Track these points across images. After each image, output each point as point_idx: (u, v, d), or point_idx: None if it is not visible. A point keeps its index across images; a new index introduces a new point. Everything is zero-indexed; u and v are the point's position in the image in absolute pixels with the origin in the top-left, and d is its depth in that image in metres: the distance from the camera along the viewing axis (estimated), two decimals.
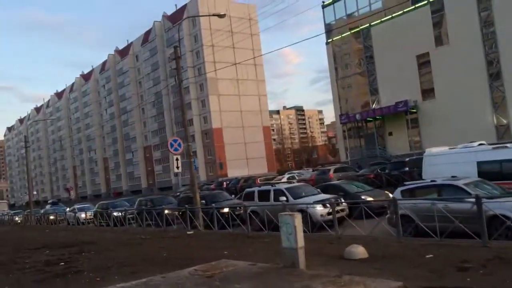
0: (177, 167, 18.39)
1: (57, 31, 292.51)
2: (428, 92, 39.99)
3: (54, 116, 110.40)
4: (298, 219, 7.46)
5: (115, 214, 25.96)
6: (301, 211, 14.83)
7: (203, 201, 19.93)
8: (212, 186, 38.81)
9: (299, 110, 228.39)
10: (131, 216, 24.95)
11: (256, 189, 17.75)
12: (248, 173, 69.75)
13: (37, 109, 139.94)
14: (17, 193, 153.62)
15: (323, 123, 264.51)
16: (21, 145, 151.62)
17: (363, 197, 16.08)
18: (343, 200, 15.73)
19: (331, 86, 48.34)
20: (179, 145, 18.26)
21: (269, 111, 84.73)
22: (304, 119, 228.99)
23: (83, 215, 30.50)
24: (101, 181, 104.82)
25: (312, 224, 14.19)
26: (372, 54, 43.74)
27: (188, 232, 17.02)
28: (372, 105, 44.21)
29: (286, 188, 16.65)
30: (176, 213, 21.82)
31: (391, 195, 13.87)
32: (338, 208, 15.01)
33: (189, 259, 9.81)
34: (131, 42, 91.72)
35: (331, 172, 28.80)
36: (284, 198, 16.01)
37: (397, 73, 41.07)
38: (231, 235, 15.07)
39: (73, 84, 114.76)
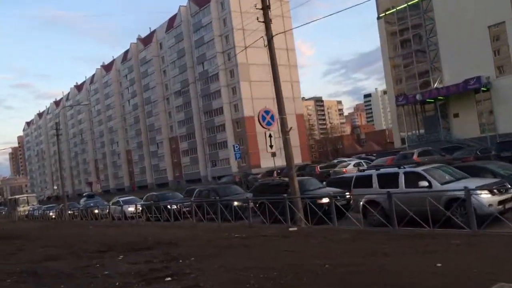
0: (271, 146, 14.50)
1: (73, 27, 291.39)
2: (503, 67, 35.40)
3: (85, 102, 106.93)
4: None
5: (169, 207, 22.34)
6: (453, 200, 11.07)
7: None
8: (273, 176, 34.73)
9: (318, 100, 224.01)
10: (187, 209, 21.35)
11: (374, 172, 13.69)
12: (282, 164, 65.83)
13: (57, 103, 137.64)
14: (37, 188, 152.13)
15: (342, 113, 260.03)
16: (40, 139, 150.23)
17: None
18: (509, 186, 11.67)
19: (383, 65, 43.95)
20: (272, 117, 14.43)
21: None
22: (323, 110, 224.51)
23: (130, 209, 26.96)
24: (124, 175, 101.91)
25: (477, 217, 10.21)
26: (434, 27, 39.17)
27: (291, 229, 13.12)
28: (434, 84, 39.76)
29: (425, 170, 12.57)
30: (252, 204, 18.09)
31: None
32: (506, 196, 11.18)
33: (391, 275, 5.93)
34: (154, 30, 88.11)
35: (415, 155, 24.67)
36: (426, 183, 12.01)
37: (465, 47, 36.54)
38: (362, 232, 11.10)
39: (93, 75, 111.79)
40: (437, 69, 39.68)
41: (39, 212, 37.62)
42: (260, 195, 17.42)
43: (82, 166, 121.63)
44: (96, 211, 29.85)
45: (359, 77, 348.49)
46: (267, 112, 14.35)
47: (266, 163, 66.99)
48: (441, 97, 39.00)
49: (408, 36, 42.46)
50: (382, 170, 13.79)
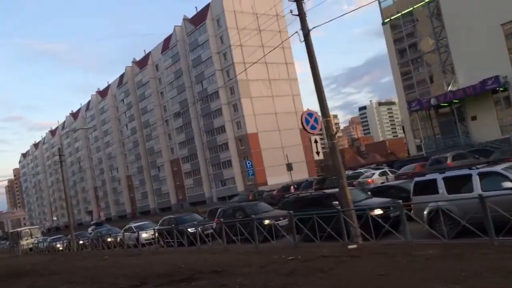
0: (317, 152, 12.84)
1: (61, 58, 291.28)
2: None
3: (86, 126, 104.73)
4: None
5: (190, 230, 20.57)
6: None
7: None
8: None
9: None
10: (209, 231, 19.67)
11: (438, 176, 12.04)
12: (288, 180, 64.00)
13: (52, 132, 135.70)
14: (36, 220, 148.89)
15: (339, 127, 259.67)
16: (37, 170, 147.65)
17: None
18: None
19: (392, 71, 42.66)
20: (316, 120, 12.76)
21: None
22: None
23: (144, 235, 25.08)
24: (125, 201, 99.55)
25: None
26: (443, 30, 38.09)
27: (350, 246, 11.40)
28: (448, 87, 38.47)
29: (504, 169, 10.95)
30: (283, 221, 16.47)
31: None
32: None
33: None
34: (149, 52, 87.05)
35: (449, 159, 23.11)
36: (510, 184, 10.40)
37: (477, 48, 35.37)
38: (450, 246, 9.38)
39: (89, 102, 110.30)
40: (449, 71, 38.47)
41: (45, 245, 35.48)
42: (296, 210, 15.71)
43: (82, 195, 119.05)
44: (109, 239, 27.88)
45: (350, 91, 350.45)
46: (310, 114, 12.73)
47: (273, 180, 65.30)
48: (457, 100, 37.65)
49: (415, 40, 41.35)
50: (449, 173, 12.11)
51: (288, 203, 16.73)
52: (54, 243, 33.65)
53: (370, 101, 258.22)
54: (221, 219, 19.70)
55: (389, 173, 27.70)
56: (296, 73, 72.95)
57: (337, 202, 14.41)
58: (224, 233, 16.78)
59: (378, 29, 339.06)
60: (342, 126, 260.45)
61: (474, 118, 36.74)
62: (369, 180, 26.76)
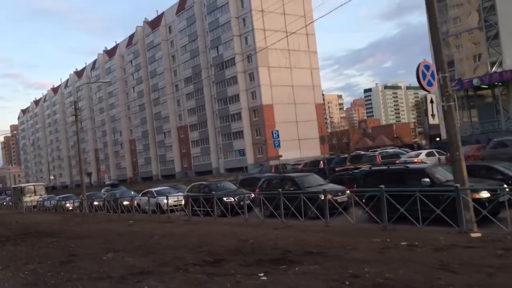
0: (433, 115, 10.54)
1: (65, 18, 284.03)
2: None
3: (105, 80, 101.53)
4: None
5: (225, 199, 18.40)
6: None
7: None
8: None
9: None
10: (246, 202, 17.60)
11: None
12: (300, 156, 61.87)
13: (54, 90, 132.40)
14: (32, 178, 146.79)
15: (343, 108, 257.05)
16: (36, 127, 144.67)
17: None
18: None
19: (430, 45, 39.62)
20: (433, 75, 10.37)
21: None
22: (323, 104, 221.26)
23: (165, 201, 22.91)
24: (127, 165, 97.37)
25: None
26: (493, 4, 35.24)
27: (474, 235, 9.15)
28: (492, 68, 35.96)
29: None
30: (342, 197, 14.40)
31: None
32: None
33: None
34: (163, 12, 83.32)
35: None
36: None
37: None
38: None
39: (95, 61, 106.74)
40: (496, 51, 35.81)
41: (51, 203, 33.31)
42: (369, 186, 13.49)
43: (81, 156, 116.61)
44: (126, 202, 25.74)
45: (352, 73, 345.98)
46: (427, 67, 10.32)
47: (284, 155, 62.87)
48: (500, 83, 35.17)
49: (461, 12, 38.35)
50: None
51: (361, 177, 14.42)
52: (63, 202, 31.42)
53: (376, 84, 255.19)
54: (260, 188, 17.49)
55: (436, 154, 25.52)
56: (316, 46, 69.88)
57: (427, 180, 12.22)
58: (263, 205, 14.67)
59: (383, 12, 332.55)
60: (344, 107, 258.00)
61: None
62: (416, 160, 24.58)
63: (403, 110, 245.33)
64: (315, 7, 70.61)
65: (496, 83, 35.05)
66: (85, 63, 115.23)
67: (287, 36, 52.65)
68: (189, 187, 22.87)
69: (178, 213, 20.79)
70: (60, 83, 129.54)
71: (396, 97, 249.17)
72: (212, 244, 10.59)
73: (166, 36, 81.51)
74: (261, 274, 7.18)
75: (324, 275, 6.75)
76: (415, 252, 7.89)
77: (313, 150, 66.07)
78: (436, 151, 25.84)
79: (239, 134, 65.87)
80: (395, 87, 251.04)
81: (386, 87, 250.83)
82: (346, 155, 33.09)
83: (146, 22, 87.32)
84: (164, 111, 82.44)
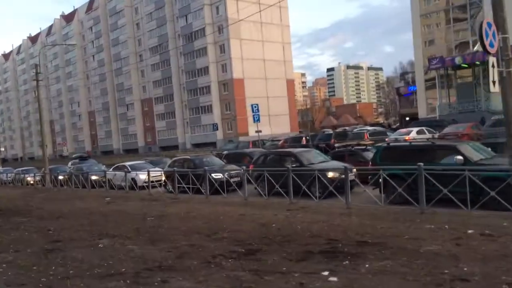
0: (493, 82, 9.19)
1: None
2: None
3: (35, 59, 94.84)
4: None
5: (214, 176, 16.64)
6: None
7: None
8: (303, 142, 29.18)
9: None
10: (235, 179, 16.24)
11: None
12: (270, 132, 60.55)
13: (5, 56, 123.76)
14: None
15: (305, 86, 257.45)
16: None
17: None
18: None
19: (412, 23, 38.97)
20: (494, 36, 8.94)
21: None
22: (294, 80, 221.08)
23: (142, 176, 20.91)
24: (85, 138, 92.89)
25: None
26: None
27: None
28: (474, 47, 35.49)
29: None
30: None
31: None
32: None
33: None
34: None
35: None
36: None
37: None
38: None
39: (51, 26, 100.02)
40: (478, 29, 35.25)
41: (8, 177, 30.33)
42: (385, 164, 12.20)
43: (35, 127, 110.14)
44: (94, 177, 23.45)
45: (314, 52, 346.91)
46: (489, 25, 8.85)
47: (253, 131, 61.34)
48: (479, 62, 34.77)
49: None
50: None
51: (378, 153, 13.01)
52: (22, 176, 28.55)
53: (339, 63, 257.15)
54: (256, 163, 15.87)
55: (426, 132, 24.72)
56: (288, 19, 67.89)
57: (461, 158, 10.94)
58: (268, 183, 13.12)
59: None
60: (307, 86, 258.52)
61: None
62: (407, 138, 23.62)
63: (364, 91, 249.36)
64: None
65: (478, 62, 34.64)
66: (40, 28, 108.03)
67: (260, 11, 50.35)
68: (170, 161, 20.87)
69: (160, 190, 18.82)
70: (12, 49, 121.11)
71: (358, 77, 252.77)
72: (229, 229, 8.90)
73: (130, 2, 76.95)
74: (326, 273, 5.60)
75: (411, 276, 5.25)
76: (500, 244, 6.53)
77: (282, 127, 64.93)
78: (426, 129, 25.01)
79: (208, 108, 63.55)
80: (357, 67, 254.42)
81: (348, 67, 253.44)
82: (325, 132, 31.91)
83: None
84: (126, 82, 78.50)
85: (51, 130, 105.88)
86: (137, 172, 21.60)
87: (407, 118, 58.31)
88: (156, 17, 70.50)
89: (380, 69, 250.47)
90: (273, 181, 13.13)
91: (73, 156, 60.23)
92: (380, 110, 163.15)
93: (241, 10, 58.01)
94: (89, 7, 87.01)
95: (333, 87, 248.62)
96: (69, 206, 15.05)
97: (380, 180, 11.35)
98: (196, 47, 63.49)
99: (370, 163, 13.08)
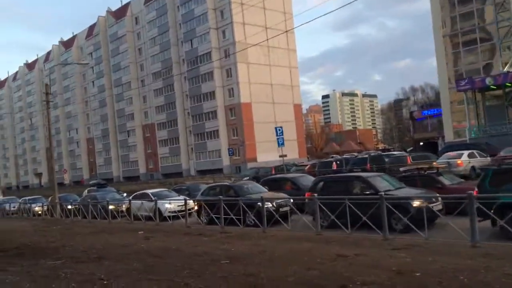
0: None
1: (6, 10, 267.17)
2: None
3: (32, 86, 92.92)
4: None
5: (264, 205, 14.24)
6: None
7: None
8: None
9: None
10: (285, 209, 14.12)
11: None
12: (278, 158, 58.29)
13: (1, 83, 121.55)
14: None
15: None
16: None
17: None
18: None
19: (434, 42, 37.60)
20: None
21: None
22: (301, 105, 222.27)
23: (167, 205, 18.62)
24: (83, 166, 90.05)
25: None
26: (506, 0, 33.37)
27: None
28: (505, 67, 34.00)
29: None
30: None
31: None
32: None
33: None
34: (129, 2, 77.47)
35: None
36: None
37: None
38: None
39: (49, 52, 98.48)
40: (508, 49, 33.92)
41: (13, 206, 27.68)
42: (496, 190, 10.05)
43: (30, 155, 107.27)
44: (111, 207, 20.96)
45: (303, 80, 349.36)
46: None
47: (262, 156, 59.14)
48: (509, 84, 33.25)
49: (469, 9, 36.27)
50: None
51: (486, 178, 10.85)
52: (30, 206, 25.88)
53: (333, 90, 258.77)
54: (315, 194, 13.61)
55: (477, 155, 22.73)
56: (295, 44, 66.83)
57: None
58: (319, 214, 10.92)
59: (335, 22, 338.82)
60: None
61: None
62: (459, 162, 21.62)
63: (359, 117, 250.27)
64: (295, 4, 67.71)
65: (509, 84, 33.09)
66: (37, 55, 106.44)
67: (268, 38, 49.00)
68: (205, 188, 18.51)
69: (183, 221, 16.34)
70: (7, 76, 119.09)
71: (353, 104, 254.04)
72: (359, 280, 6.55)
73: (132, 27, 75.73)
74: None
75: None
76: None
77: (292, 152, 62.68)
78: (477, 152, 23.05)
79: (214, 133, 61.42)
80: (352, 94, 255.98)
81: (343, 94, 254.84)
82: (357, 155, 29.67)
83: (109, 12, 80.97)
84: (128, 108, 76.44)
85: (47, 157, 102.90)
86: (162, 201, 19.27)
87: (421, 143, 56.57)
88: (160, 42, 69.12)
89: (375, 96, 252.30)
90: (358, 212, 10.81)
91: (90, 183, 57.40)
92: (379, 136, 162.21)
93: (248, 34, 56.81)
94: (89, 33, 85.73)
95: (329, 114, 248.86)
96: (102, 242, 12.60)
97: (492, 210, 9.22)
98: (202, 72, 61.86)
99: (477, 189, 10.86)
